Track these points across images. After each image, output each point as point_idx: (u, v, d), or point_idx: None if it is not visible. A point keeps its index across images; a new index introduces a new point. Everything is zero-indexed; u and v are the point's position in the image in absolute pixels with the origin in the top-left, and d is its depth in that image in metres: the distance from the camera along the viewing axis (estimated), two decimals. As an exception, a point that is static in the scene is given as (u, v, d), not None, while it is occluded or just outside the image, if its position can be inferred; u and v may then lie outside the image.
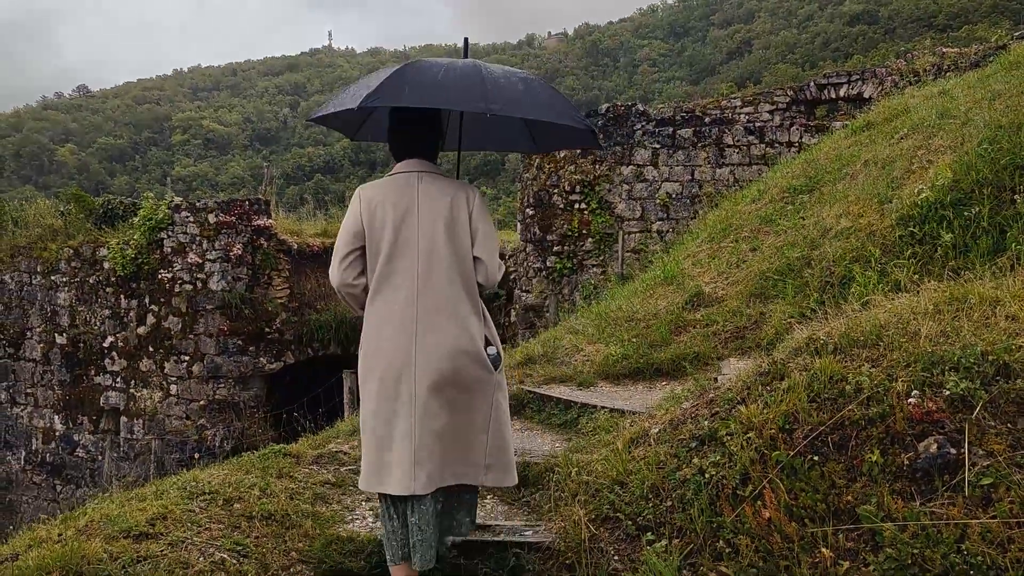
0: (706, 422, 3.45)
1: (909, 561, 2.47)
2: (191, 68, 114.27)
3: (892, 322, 3.26)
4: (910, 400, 2.81)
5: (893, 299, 3.68)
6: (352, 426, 4.79)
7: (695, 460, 3.26)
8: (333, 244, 11.54)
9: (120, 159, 79.36)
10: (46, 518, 4.51)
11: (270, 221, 11.95)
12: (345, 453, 4.25)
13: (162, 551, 2.95)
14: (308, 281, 12.37)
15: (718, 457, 3.15)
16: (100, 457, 11.54)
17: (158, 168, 74.22)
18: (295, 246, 12.12)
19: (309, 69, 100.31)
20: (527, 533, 3.46)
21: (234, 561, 2.99)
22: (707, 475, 3.11)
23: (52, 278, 12.60)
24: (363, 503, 3.73)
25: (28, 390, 12.79)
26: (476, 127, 3.49)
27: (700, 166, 11.01)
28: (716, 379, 4.32)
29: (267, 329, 11.75)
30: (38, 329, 12.80)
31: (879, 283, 4.66)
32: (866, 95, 11.79)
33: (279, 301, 11.92)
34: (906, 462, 2.72)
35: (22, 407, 12.83)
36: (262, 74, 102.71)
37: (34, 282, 12.82)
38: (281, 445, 4.21)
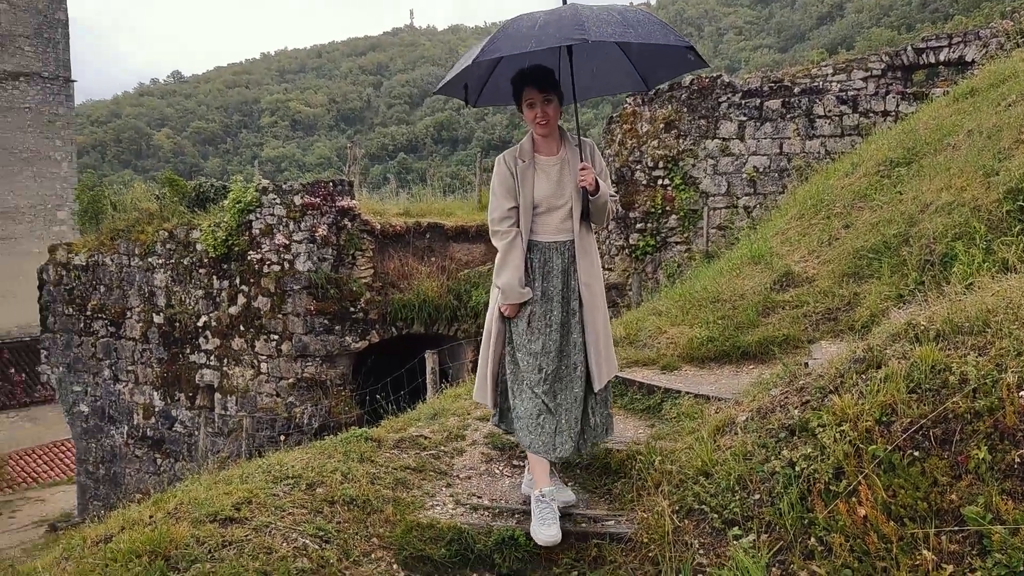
0: (796, 411, 3.30)
1: (1021, 568, 2.29)
2: (278, 51, 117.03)
3: (1000, 306, 3.02)
4: (1022, 393, 2.60)
5: (1001, 281, 3.42)
6: (433, 409, 4.80)
7: (785, 452, 3.11)
8: (415, 224, 11.60)
9: (212, 142, 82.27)
10: (141, 496, 4.68)
11: (354, 202, 12.12)
12: (426, 438, 4.26)
13: (247, 536, 3.01)
14: (391, 261, 12.53)
15: (809, 449, 3.00)
16: (196, 432, 12.05)
17: (248, 150, 76.58)
18: (378, 226, 12.27)
19: (392, 48, 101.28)
20: (609, 523, 3.38)
21: (316, 547, 3.03)
22: (797, 468, 2.97)
23: (149, 260, 13.14)
24: (443, 489, 3.72)
25: (129, 367, 13.43)
26: (584, 73, 3.60)
27: (789, 138, 10.57)
28: (806, 364, 4.12)
29: (352, 309, 11.96)
30: (137, 309, 13.39)
31: (984, 263, 4.35)
32: (968, 59, 11.08)
33: (363, 281, 12.11)
34: (1017, 460, 2.52)
35: (124, 384, 13.50)
36: (346, 55, 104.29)
37: (133, 264, 13.41)
38: (363, 429, 4.24)
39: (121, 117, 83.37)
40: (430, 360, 7.84)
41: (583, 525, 3.38)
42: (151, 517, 3.22)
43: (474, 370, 4.41)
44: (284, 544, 3.00)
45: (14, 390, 25.48)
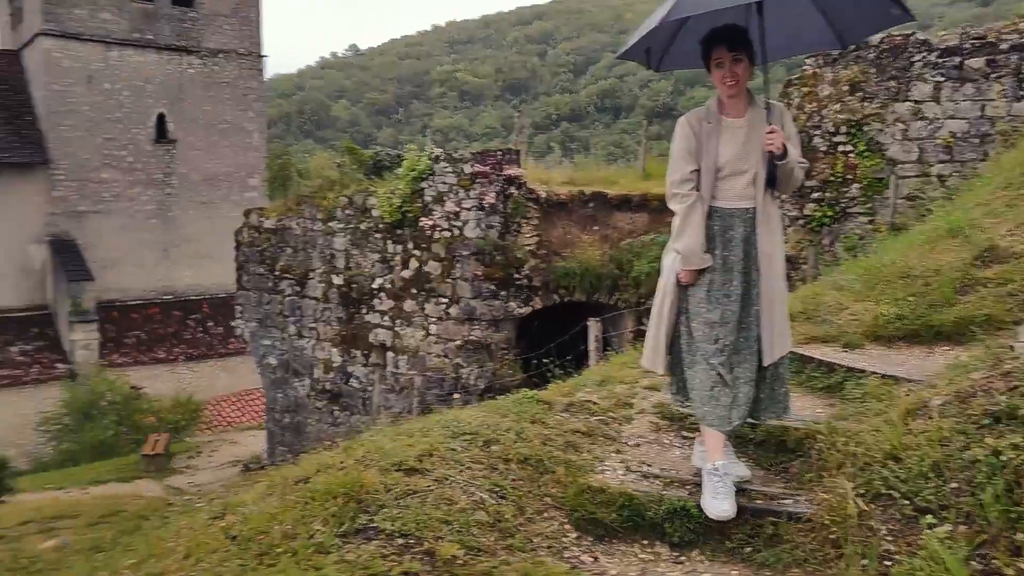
0: (1003, 397, 3.03)
1: None
2: (448, 22, 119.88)
3: None
4: None
5: None
6: (600, 376, 4.83)
7: (988, 439, 2.87)
8: (579, 192, 11.58)
9: (385, 112, 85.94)
10: (328, 443, 5.04)
11: (521, 170, 12.30)
12: (594, 403, 4.29)
13: (428, 486, 3.17)
14: (555, 229, 12.63)
15: (1019, 439, 2.76)
16: (370, 388, 12.80)
17: (418, 120, 79.35)
18: (543, 194, 12.39)
19: (558, 17, 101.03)
20: (786, 502, 3.27)
21: (493, 501, 3.14)
22: (1003, 457, 2.74)
23: (330, 224, 13.99)
24: (612, 454, 3.75)
25: (311, 325, 14.43)
26: (775, 32, 3.40)
27: (992, 100, 9.59)
28: (1012, 347, 3.77)
29: (516, 275, 12.20)
30: (319, 270, 14.32)
31: None
32: None
33: (528, 248, 12.31)
34: None
35: (307, 339, 14.53)
36: (512, 24, 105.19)
37: (315, 228, 14.33)
38: (534, 391, 4.34)
39: (304, 90, 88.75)
40: (594, 328, 7.87)
41: (758, 502, 3.29)
42: (342, 463, 3.46)
43: (636, 339, 4.35)
44: (463, 497, 3.13)
45: (212, 342, 28.13)
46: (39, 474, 16.46)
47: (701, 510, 3.21)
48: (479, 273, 12.08)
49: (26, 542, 8.46)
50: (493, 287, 12.09)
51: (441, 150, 12.98)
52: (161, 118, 28.56)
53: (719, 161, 3.30)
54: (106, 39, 27.23)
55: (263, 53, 30.52)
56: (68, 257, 26.23)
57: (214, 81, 29.46)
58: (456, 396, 10.68)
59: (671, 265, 3.42)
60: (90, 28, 26.93)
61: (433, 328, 12.52)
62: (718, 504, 3.15)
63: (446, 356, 12.25)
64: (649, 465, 3.65)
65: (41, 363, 25.04)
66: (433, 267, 12.53)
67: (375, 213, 13.18)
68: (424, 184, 12.56)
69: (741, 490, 3.32)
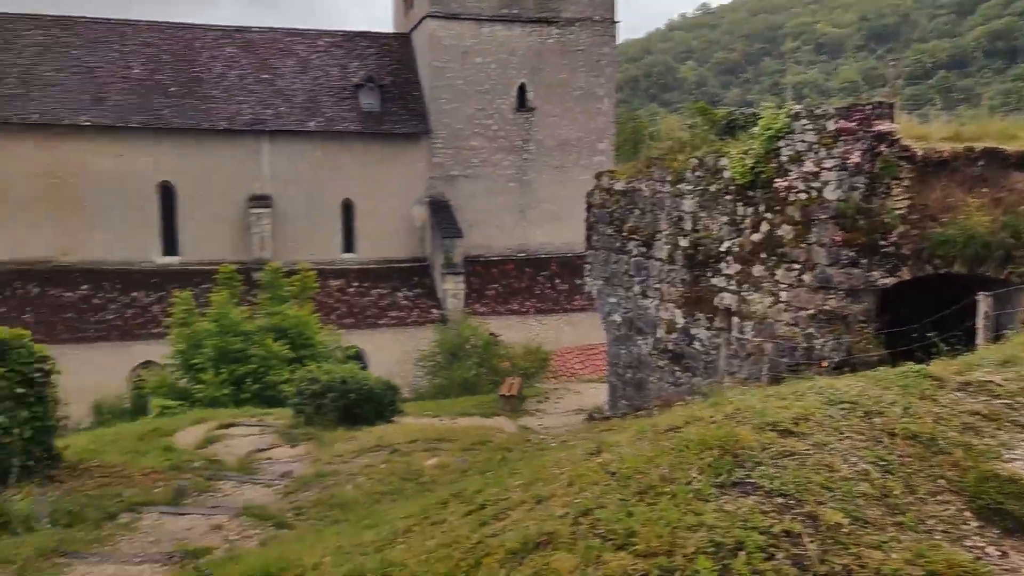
0: None
1: None
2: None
3: None
4: None
5: None
6: (1002, 356, 4.26)
7: None
8: (964, 149, 10.19)
9: (733, 72, 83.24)
10: (672, 399, 5.12)
11: (893, 126, 11.12)
12: (997, 384, 3.81)
13: (806, 450, 3.09)
14: (931, 191, 11.25)
15: None
16: (713, 352, 12.68)
17: (768, 78, 75.66)
18: (919, 152, 11.08)
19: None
20: None
21: (878, 475, 2.97)
22: None
23: (679, 186, 13.99)
24: (1023, 443, 3.30)
25: (656, 285, 14.66)
26: None
27: None
28: None
29: (882, 242, 11.13)
30: (666, 232, 14.45)
31: None
32: None
33: (897, 212, 11.14)
34: None
35: (651, 299, 14.81)
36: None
37: (664, 190, 14.43)
38: (920, 366, 3.97)
39: (652, 53, 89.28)
40: (984, 303, 6.94)
41: None
42: (711, 417, 3.51)
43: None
44: (844, 465, 3.00)
45: (559, 298, 30.04)
46: (418, 402, 19.11)
47: None
48: (838, 238, 11.24)
49: (415, 457, 9.91)
50: (853, 254, 11.18)
51: (801, 106, 12.23)
52: (522, 88, 30.78)
53: None
54: (479, 16, 29.95)
55: (616, 19, 31.25)
56: (443, 216, 29.72)
57: (569, 50, 30.92)
58: (823, 363, 10.16)
59: None
60: (467, 7, 29.80)
61: (783, 295, 11.98)
62: None
63: (796, 325, 11.67)
64: (1073, 460, 3.16)
65: (420, 308, 28.86)
66: (786, 231, 11.94)
67: (726, 174, 12.88)
68: (781, 143, 11.95)
69: None
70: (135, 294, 27.23)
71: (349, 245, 30.39)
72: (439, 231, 29.27)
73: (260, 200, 28.80)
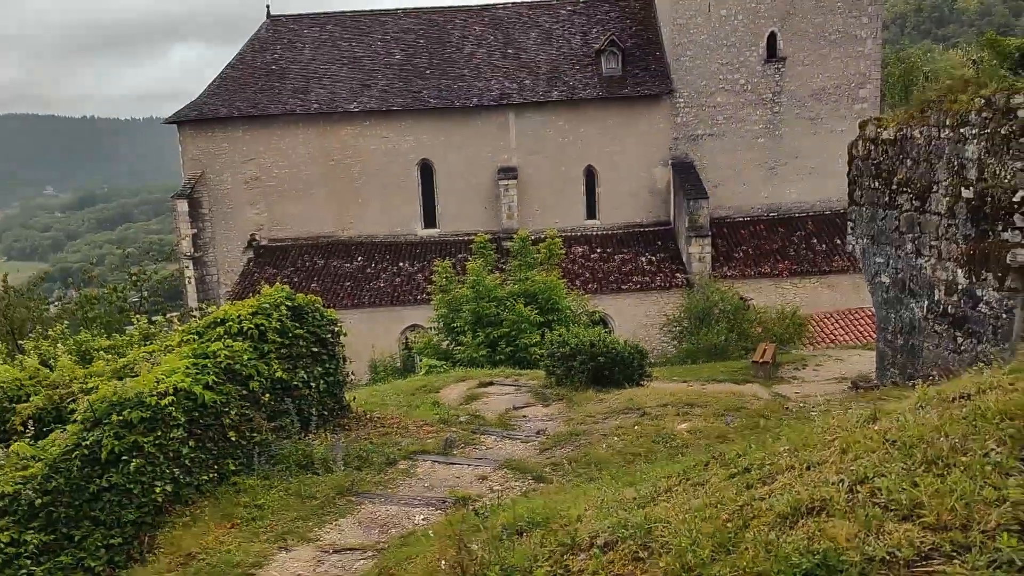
0: None
1: None
2: None
3: None
4: None
5: None
6: None
7: None
8: None
9: (1023, -4, 72.14)
10: (952, 367, 4.62)
11: None
12: None
13: None
14: None
15: None
16: (1005, 316, 11.26)
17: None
18: None
19: None
20: None
21: None
22: None
23: (961, 131, 12.48)
24: None
25: (932, 243, 13.26)
26: None
27: None
28: None
29: None
30: (944, 183, 12.98)
31: None
32: None
33: None
34: None
35: (926, 258, 13.43)
36: None
37: (942, 135, 12.95)
38: None
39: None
40: None
41: None
42: (1012, 385, 3.16)
43: None
44: None
45: (816, 259, 28.23)
46: (665, 367, 19.03)
47: None
48: None
49: (666, 420, 9.93)
50: None
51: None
52: (771, 37, 29.04)
53: None
54: (731, -34, 28.61)
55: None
56: (687, 177, 29.08)
57: (824, -9, 28.59)
58: None
59: None
60: (712, -41, 28.62)
61: (1094, 250, 10.32)
62: None
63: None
64: None
65: (664, 272, 28.60)
66: (1100, 175, 10.24)
67: (1020, 114, 11.27)
68: (1092, 73, 10.22)
69: None
70: (401, 264, 29.79)
71: (592, 211, 30.82)
72: (683, 193, 28.69)
73: (507, 172, 30.06)
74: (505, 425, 11.57)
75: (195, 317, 12.28)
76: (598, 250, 29.79)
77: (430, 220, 31.17)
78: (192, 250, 30.27)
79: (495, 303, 19.92)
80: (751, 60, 29.25)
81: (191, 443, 7.89)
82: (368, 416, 10.64)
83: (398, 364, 24.53)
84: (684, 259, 28.75)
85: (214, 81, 31.42)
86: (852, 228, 15.41)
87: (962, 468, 2.67)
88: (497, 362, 18.68)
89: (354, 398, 11.13)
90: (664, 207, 30.48)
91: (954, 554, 2.35)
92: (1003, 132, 11.60)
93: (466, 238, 27.82)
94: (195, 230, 30.41)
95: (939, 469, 2.72)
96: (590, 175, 30.66)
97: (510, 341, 19.39)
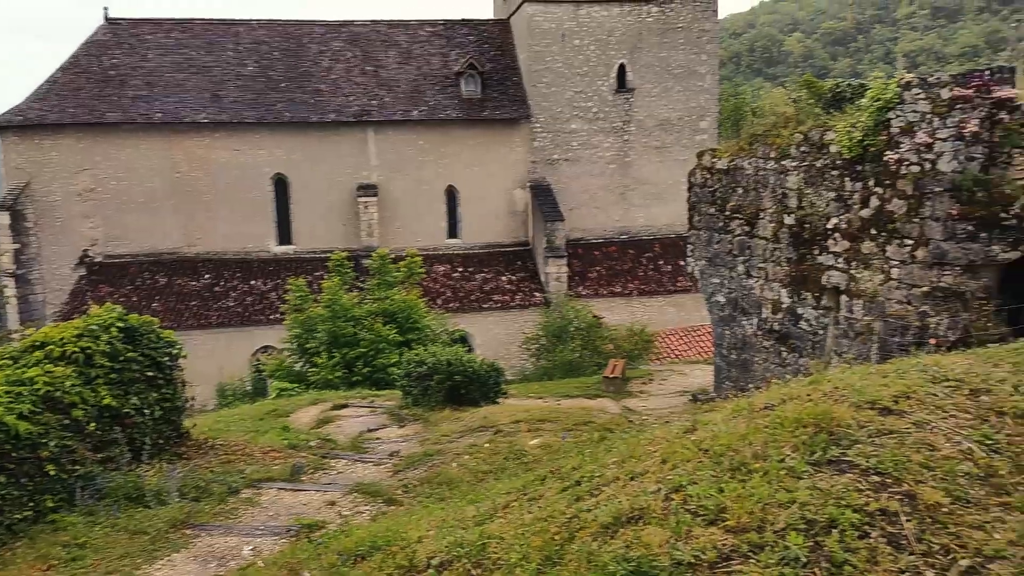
0: None
1: None
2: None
3: None
4: None
5: None
6: None
7: None
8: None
9: (842, 42, 79.41)
10: (776, 379, 5.05)
11: (1014, 92, 10.43)
12: (1123, 362, 3.59)
13: (906, 428, 3.03)
14: (1062, 159, 10.50)
15: None
16: (821, 332, 12.29)
17: (880, 47, 71.84)
18: (1048, 118, 10.35)
19: None
20: None
21: (983, 454, 2.88)
22: None
23: (783, 162, 13.57)
24: None
25: (760, 264, 14.30)
26: None
27: None
28: None
29: (1003, 214, 10.48)
30: (769, 210, 14.05)
31: None
32: None
33: (1019, 183, 10.47)
34: None
35: (755, 279, 14.46)
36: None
37: (767, 167, 14.03)
38: (1036, 342, 3.79)
39: (755, 27, 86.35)
40: (1118, 278, 6.45)
41: None
42: (809, 395, 3.48)
43: None
44: (947, 444, 2.93)
45: (662, 279, 29.69)
46: (522, 384, 19.37)
47: None
48: (954, 212, 10.66)
49: (518, 437, 10.11)
50: (971, 228, 10.58)
51: (913, 75, 11.62)
52: (621, 68, 30.45)
53: None
54: (576, -1, 29.79)
55: (718, -8, 30.43)
56: (544, 200, 29.86)
57: (669, 27, 30.34)
58: (933, 341, 9.73)
59: None
60: (565, -10, 29.71)
61: (895, 272, 11.47)
62: None
63: (909, 303, 11.16)
64: None
65: (523, 291, 29.16)
66: (897, 206, 11.41)
67: (832, 149, 12.40)
68: (891, 115, 11.40)
69: None
70: (254, 282, 28.71)
71: (453, 230, 31.00)
72: (541, 215, 29.44)
73: (367, 189, 29.74)
74: (358, 448, 11.38)
75: (13, 340, 11.33)
76: (459, 269, 29.97)
77: (285, 237, 30.27)
78: (14, 266, 27.83)
79: (352, 322, 19.60)
80: (603, 89, 30.52)
81: (1, 479, 7.24)
82: (210, 444, 10.16)
83: (248, 388, 23.58)
84: (542, 279, 29.44)
85: (43, 85, 29.18)
86: (691, 251, 16.38)
87: (761, 473, 2.91)
88: (354, 383, 18.37)
89: (194, 425, 10.61)
90: (523, 228, 31.12)
91: (750, 554, 2.56)
92: (818, 165, 12.73)
93: (323, 256, 27.21)
94: (18, 245, 27.99)
95: (742, 475, 2.95)
96: (451, 195, 30.86)
97: (368, 362, 19.12)
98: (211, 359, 23.32)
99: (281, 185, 30.06)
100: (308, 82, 30.45)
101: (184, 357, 10.01)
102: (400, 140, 30.15)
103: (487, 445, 10.00)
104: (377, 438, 12.09)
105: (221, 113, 29.18)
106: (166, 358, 9.52)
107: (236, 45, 31.14)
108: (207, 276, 28.76)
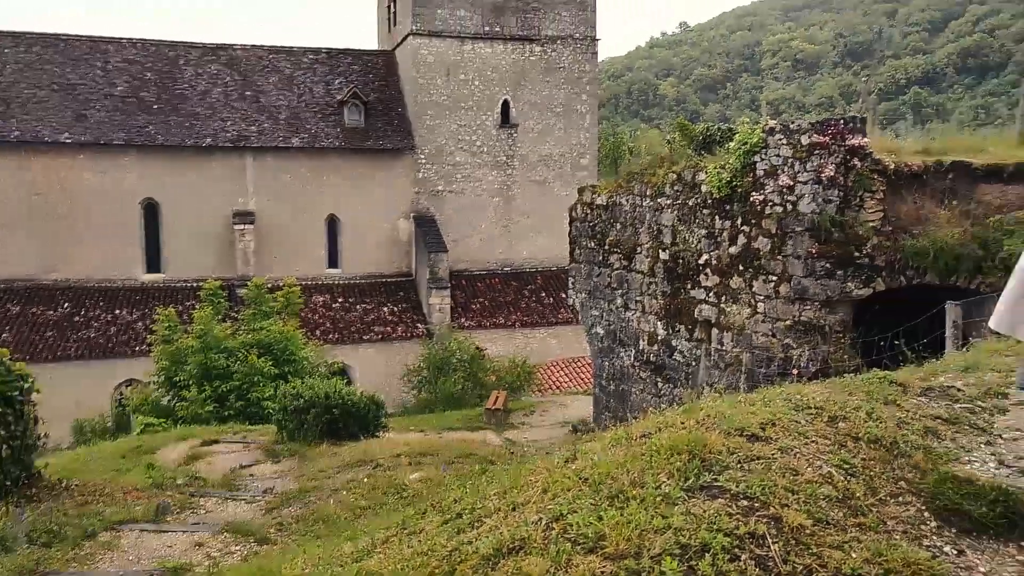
0: None
1: None
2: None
3: None
4: None
5: None
6: (965, 362, 4.38)
7: None
8: (935, 163, 10.40)
9: (712, 88, 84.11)
10: (652, 409, 5.20)
11: (865, 140, 11.33)
12: (958, 390, 3.92)
13: (772, 454, 3.18)
14: (904, 204, 11.47)
15: None
16: (694, 363, 12.80)
17: (747, 94, 76.54)
18: (891, 166, 11.30)
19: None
20: None
21: (841, 477, 3.06)
22: None
23: (658, 200, 14.15)
24: (982, 446, 3.41)
25: (638, 298, 14.79)
26: None
27: None
28: None
29: (856, 253, 11.31)
30: (646, 245, 14.59)
31: None
32: None
33: (871, 224, 11.34)
34: None
35: (633, 312, 14.94)
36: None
37: (644, 204, 14.60)
38: (885, 372, 4.08)
39: (633, 70, 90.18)
40: (952, 312, 7.09)
41: None
42: (683, 423, 3.60)
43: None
44: (809, 469, 3.09)
45: (545, 311, 30.13)
46: (403, 417, 19.09)
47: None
48: (813, 250, 11.41)
49: (399, 471, 9.93)
50: (829, 266, 11.36)
51: (776, 121, 12.44)
52: (505, 104, 31.01)
53: None
54: (461, 34, 30.21)
55: (597, 37, 31.58)
56: (428, 231, 29.81)
57: (552, 67, 31.22)
58: (795, 371, 10.30)
59: None
60: (450, 26, 30.06)
61: (761, 306, 12.13)
62: None
63: (774, 336, 11.81)
64: (1029, 462, 3.27)
65: (405, 322, 28.87)
66: (762, 243, 12.11)
67: (703, 188, 13.06)
68: (756, 158, 12.14)
69: None
70: (118, 311, 27.08)
71: (334, 260, 30.40)
72: (424, 246, 29.35)
73: (244, 216, 28.79)
74: (229, 486, 10.88)
75: None
76: (340, 299, 29.37)
77: (154, 264, 28.78)
78: None
79: (225, 354, 18.82)
80: (487, 124, 30.97)
81: None
82: (64, 484, 9.43)
83: (110, 424, 22.10)
84: (425, 310, 29.26)
85: None
86: (572, 283, 16.76)
87: (639, 500, 2.97)
88: (226, 418, 17.60)
89: (47, 464, 9.83)
90: (407, 258, 30.92)
91: (628, 580, 2.60)
92: (691, 203, 13.36)
93: (196, 284, 26.03)
94: None
95: (620, 502, 3.01)
96: (333, 224, 30.31)
97: (241, 395, 18.38)
98: (68, 393, 21.72)
99: (152, 210, 28.65)
100: (183, 105, 29.31)
101: (37, 391, 9.29)
102: (280, 167, 29.44)
103: (366, 480, 9.77)
104: (250, 475, 11.59)
105: (86, 133, 27.60)
106: (16, 392, 8.80)
107: (105, 64, 29.64)
108: (66, 305, 26.89)
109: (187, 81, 30.03)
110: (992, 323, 3.26)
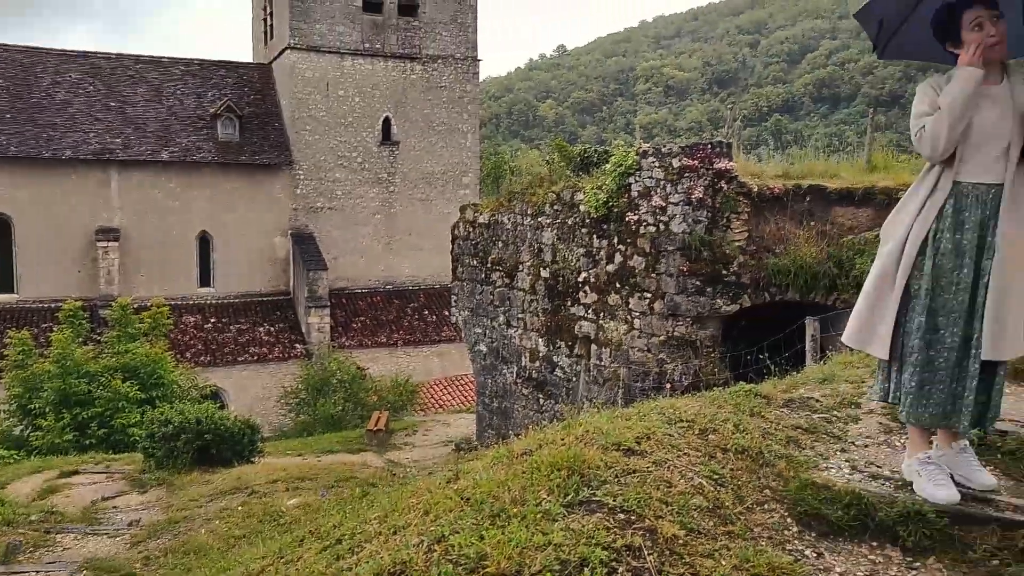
0: None
1: None
2: (655, 17, 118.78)
3: None
4: None
5: None
6: (822, 374, 4.68)
7: None
8: (794, 186, 11.05)
9: (590, 111, 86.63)
10: (534, 426, 5.27)
11: (731, 164, 11.97)
12: (817, 400, 4.18)
13: (647, 468, 3.28)
14: (767, 225, 12.17)
15: None
16: (574, 378, 13.06)
17: (622, 117, 79.27)
18: (755, 189, 11.99)
19: (772, 4, 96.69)
20: (1038, 514, 3.03)
21: (711, 488, 3.19)
22: None
23: (539, 219, 14.42)
24: (837, 453, 3.65)
25: (519, 315, 14.97)
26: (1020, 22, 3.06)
27: None
28: None
29: (724, 272, 11.90)
30: (527, 263, 14.81)
31: None
32: None
33: (737, 244, 11.97)
34: None
35: (515, 329, 15.10)
36: (723, 15, 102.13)
37: (525, 223, 14.83)
38: (751, 385, 4.30)
39: (513, 91, 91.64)
40: (811, 327, 7.56)
41: (1008, 513, 3.07)
42: (563, 440, 3.66)
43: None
44: (682, 480, 3.20)
45: (427, 329, 29.95)
46: (281, 441, 18.46)
47: (941, 516, 3.05)
48: (684, 269, 11.92)
49: (275, 498, 9.58)
50: (699, 283, 11.88)
51: (649, 145, 12.95)
52: (387, 121, 30.78)
53: (973, 123, 2.99)
54: (340, 50, 29.81)
55: (478, 57, 31.93)
56: (306, 248, 29.07)
57: (433, 86, 31.28)
58: (668, 386, 10.67)
59: (897, 238, 3.19)
60: (328, 41, 29.60)
61: (637, 323, 12.54)
62: (942, 491, 3.05)
63: (649, 351, 12.23)
64: (879, 467, 3.52)
65: (283, 343, 27.97)
66: (637, 262, 12.54)
67: (582, 208, 13.40)
68: (631, 179, 12.59)
69: (986, 500, 3.12)
70: (-39, 335, 24.88)
71: (206, 279, 29.14)
72: (303, 263, 28.59)
73: (108, 233, 27.18)
74: (91, 520, 10.19)
75: None
76: (212, 320, 28.14)
77: (7, 284, 26.68)
78: None
79: (86, 379, 17.67)
80: (368, 141, 30.64)
81: None
82: None
83: (-50, 458, 20.23)
84: (304, 329, 28.47)
85: None
86: (455, 301, 16.78)
87: (520, 518, 2.99)
88: (87, 447, 16.52)
89: None
90: (284, 277, 30.03)
91: (509, 599, 2.60)
92: (570, 223, 13.69)
93: (54, 305, 24.33)
94: None
95: (502, 521, 3.02)
96: (205, 241, 29.08)
97: (104, 422, 17.29)
98: (-99, 427, 19.74)
99: (4, 227, 26.58)
100: (40, 115, 27.44)
101: None
102: (148, 182, 28.02)
103: (240, 508, 9.38)
104: (114, 507, 10.89)
105: (-75, 141, 25.38)
106: None
107: (-52, 67, 27.40)
108: (-101, 328, 24.49)
109: (44, 90, 28.16)
110: (844, 338, 3.49)
